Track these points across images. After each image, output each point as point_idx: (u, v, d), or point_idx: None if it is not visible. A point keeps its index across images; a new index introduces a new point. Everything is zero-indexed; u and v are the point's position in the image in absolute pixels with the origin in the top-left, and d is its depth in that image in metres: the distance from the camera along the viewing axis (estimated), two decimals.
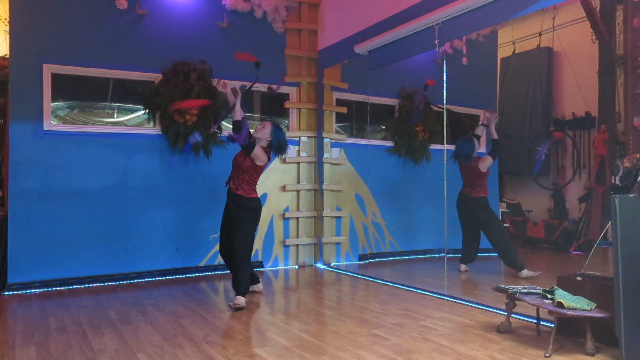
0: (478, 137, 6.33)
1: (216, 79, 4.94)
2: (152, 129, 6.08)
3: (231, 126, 4.86)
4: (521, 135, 8.13)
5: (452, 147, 6.29)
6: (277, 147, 4.89)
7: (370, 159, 7.33)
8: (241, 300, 4.64)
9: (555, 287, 3.65)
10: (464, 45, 7.45)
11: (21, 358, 3.34)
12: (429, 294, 5.23)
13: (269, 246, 6.80)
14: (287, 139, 6.75)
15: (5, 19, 6.34)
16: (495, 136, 6.20)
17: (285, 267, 6.91)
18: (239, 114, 4.77)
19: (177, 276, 6.10)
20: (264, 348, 3.54)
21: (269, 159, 4.88)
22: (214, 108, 6.05)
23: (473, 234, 6.29)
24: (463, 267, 6.30)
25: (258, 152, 4.72)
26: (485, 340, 3.69)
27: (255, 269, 5.62)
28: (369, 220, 7.41)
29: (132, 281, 5.84)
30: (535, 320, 3.87)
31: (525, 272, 5.85)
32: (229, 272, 5.16)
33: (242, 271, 4.75)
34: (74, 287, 5.52)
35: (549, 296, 3.58)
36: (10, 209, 5.36)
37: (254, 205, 4.87)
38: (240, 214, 4.82)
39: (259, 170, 4.85)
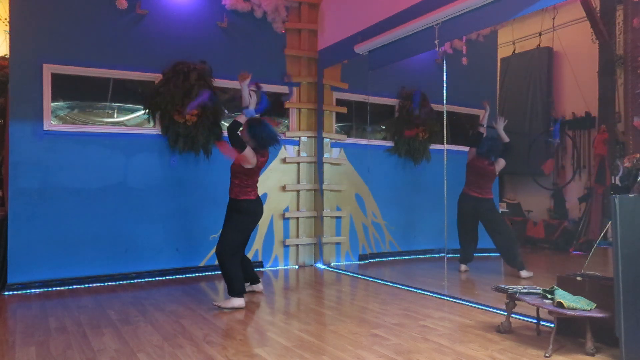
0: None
1: (243, 71, 4.82)
2: (152, 129, 6.08)
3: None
4: (521, 135, 8.13)
5: (452, 148, 6.28)
6: (257, 144, 4.67)
7: (370, 159, 7.32)
8: (236, 301, 4.61)
9: (555, 287, 3.65)
10: (464, 45, 7.44)
11: (21, 358, 3.34)
12: (429, 294, 5.23)
13: (269, 246, 6.80)
14: (287, 139, 6.82)
15: (5, 19, 6.34)
16: (507, 139, 6.21)
17: (285, 267, 6.90)
18: (244, 117, 4.72)
19: (177, 276, 6.10)
20: (264, 348, 3.54)
21: (261, 161, 4.75)
22: (214, 108, 6.06)
23: (473, 234, 6.30)
24: (463, 267, 6.30)
25: (246, 154, 4.61)
26: (485, 340, 3.69)
27: (255, 269, 5.61)
28: (369, 220, 7.41)
29: (132, 281, 5.84)
30: (535, 320, 3.87)
31: (525, 272, 5.87)
32: None
33: (228, 271, 4.66)
34: (74, 287, 5.52)
35: (549, 296, 3.58)
36: (10, 209, 5.36)
37: (244, 207, 4.77)
38: (230, 215, 4.84)
39: (249, 172, 4.72)
